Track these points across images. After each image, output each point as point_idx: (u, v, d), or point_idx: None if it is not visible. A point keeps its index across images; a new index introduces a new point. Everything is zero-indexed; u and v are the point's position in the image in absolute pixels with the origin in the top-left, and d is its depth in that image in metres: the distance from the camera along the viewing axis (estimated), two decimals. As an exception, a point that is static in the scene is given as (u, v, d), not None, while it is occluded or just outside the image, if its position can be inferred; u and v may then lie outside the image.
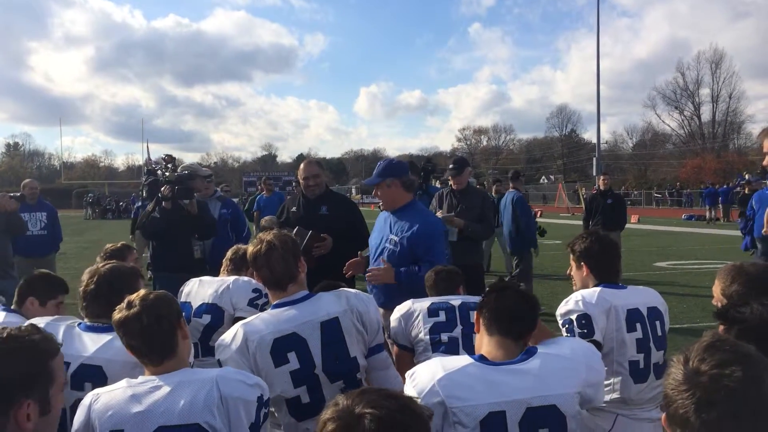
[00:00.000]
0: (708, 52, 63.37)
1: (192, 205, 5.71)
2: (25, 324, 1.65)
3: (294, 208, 5.00)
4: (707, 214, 29.35)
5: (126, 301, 2.06)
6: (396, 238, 3.93)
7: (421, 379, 1.93)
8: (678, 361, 1.32)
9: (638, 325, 2.70)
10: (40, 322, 2.55)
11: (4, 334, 1.59)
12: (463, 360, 1.98)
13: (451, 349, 2.95)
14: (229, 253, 3.97)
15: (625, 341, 2.67)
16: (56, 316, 2.64)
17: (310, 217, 4.71)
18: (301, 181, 5.00)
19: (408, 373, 2.03)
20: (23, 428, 1.54)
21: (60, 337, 2.44)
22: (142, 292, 2.10)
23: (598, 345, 2.58)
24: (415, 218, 3.95)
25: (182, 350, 2.07)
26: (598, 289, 2.77)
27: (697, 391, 1.24)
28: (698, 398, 1.24)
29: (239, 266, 3.86)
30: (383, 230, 4.08)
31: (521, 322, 2.04)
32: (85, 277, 2.57)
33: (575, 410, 1.91)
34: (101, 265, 2.59)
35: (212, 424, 1.84)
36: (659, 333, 2.77)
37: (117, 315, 2.03)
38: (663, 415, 1.34)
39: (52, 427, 1.65)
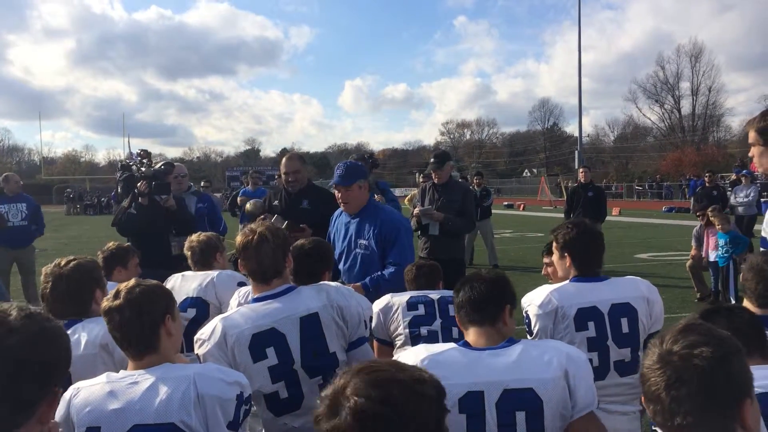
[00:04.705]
0: (687, 46, 64.08)
1: (170, 201, 5.65)
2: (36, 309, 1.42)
3: (276, 202, 5.02)
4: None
5: (115, 289, 2.05)
6: (365, 242, 3.94)
7: (405, 360, 1.94)
8: (654, 344, 1.39)
9: (591, 324, 2.65)
10: None
11: (38, 313, 1.37)
12: (447, 345, 2.06)
13: (430, 342, 2.97)
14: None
15: (573, 341, 2.62)
16: None
17: (291, 211, 4.73)
18: (282, 175, 5.00)
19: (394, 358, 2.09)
20: (45, 421, 1.34)
21: None
22: (132, 282, 2.08)
23: None
24: (378, 217, 3.98)
25: (165, 347, 2.04)
26: (550, 287, 2.74)
27: (668, 369, 1.32)
28: (668, 376, 1.32)
29: (208, 257, 3.83)
30: (348, 236, 4.06)
31: (487, 307, 2.07)
32: (45, 278, 2.51)
33: (554, 397, 1.91)
34: (63, 264, 2.54)
35: (188, 423, 1.83)
36: (626, 330, 2.69)
37: (104, 303, 2.04)
38: (642, 396, 1.41)
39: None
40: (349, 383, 1.22)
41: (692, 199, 29.07)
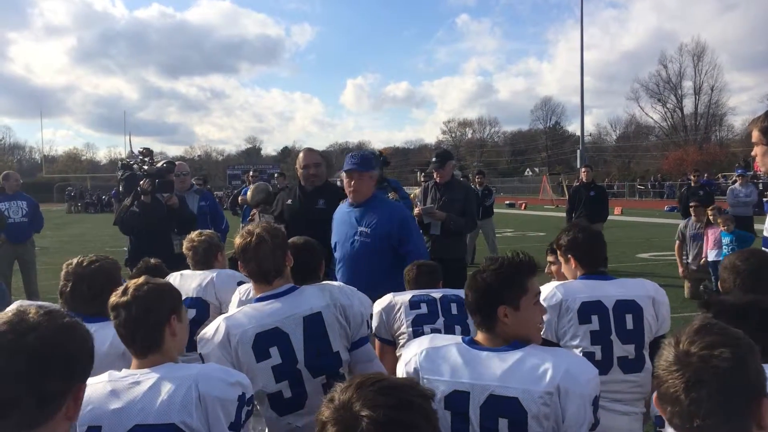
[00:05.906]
0: (690, 45, 63.86)
1: (172, 199, 5.63)
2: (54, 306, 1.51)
3: (290, 201, 4.80)
4: None
5: (124, 285, 2.05)
6: (368, 230, 3.91)
7: (410, 349, 2.09)
8: (669, 344, 1.38)
9: (594, 318, 2.68)
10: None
11: (56, 310, 1.40)
12: (452, 339, 2.09)
13: None
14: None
15: (577, 334, 2.68)
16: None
17: (306, 211, 4.56)
18: (299, 170, 4.74)
19: (406, 345, 2.17)
20: (72, 417, 1.36)
21: None
22: (141, 279, 2.06)
23: (548, 342, 2.59)
24: (383, 208, 3.99)
25: (169, 346, 2.03)
26: (557, 282, 2.81)
27: (687, 371, 1.31)
28: (688, 378, 1.31)
29: (210, 257, 3.82)
30: (349, 224, 4.02)
31: (475, 315, 2.04)
32: (65, 276, 2.51)
33: (541, 411, 1.86)
34: (84, 263, 2.54)
35: (189, 423, 1.82)
36: (630, 326, 2.70)
37: (111, 299, 2.03)
38: (654, 395, 1.40)
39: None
40: (355, 398, 1.21)
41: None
